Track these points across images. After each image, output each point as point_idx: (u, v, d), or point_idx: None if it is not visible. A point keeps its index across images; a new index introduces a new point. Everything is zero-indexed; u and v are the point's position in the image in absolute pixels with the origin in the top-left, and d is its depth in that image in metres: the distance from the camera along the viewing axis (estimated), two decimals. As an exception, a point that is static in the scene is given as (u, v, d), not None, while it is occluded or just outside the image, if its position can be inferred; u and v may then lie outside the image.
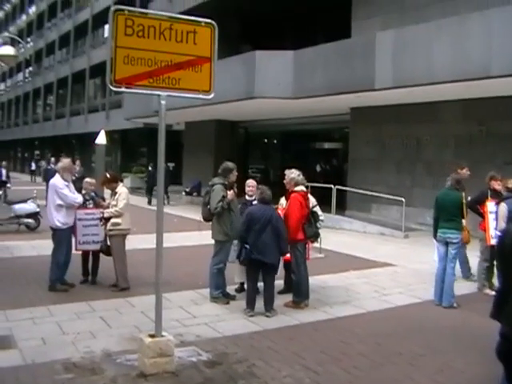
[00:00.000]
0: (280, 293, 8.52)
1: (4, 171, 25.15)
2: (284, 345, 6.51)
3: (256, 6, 21.69)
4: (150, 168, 30.21)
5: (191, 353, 6.14)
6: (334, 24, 19.61)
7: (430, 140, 16.81)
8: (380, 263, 11.83)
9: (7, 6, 69.45)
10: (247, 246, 7.61)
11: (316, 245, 8.71)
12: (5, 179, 24.97)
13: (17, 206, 15.65)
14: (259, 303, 7.78)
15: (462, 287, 9.28)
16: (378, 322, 7.65)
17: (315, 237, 8.38)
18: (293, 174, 8.37)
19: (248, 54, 18.93)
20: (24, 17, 62.83)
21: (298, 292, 8.18)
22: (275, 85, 17.35)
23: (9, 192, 23.05)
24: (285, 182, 8.44)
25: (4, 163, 26.23)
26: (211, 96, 5.84)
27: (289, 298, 8.31)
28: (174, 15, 5.89)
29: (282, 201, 8.82)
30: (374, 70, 14.92)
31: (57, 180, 8.90)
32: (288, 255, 8.15)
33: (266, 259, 7.58)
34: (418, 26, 14.51)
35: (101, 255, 9.44)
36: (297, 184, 8.30)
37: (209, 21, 5.85)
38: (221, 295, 8.37)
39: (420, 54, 13.90)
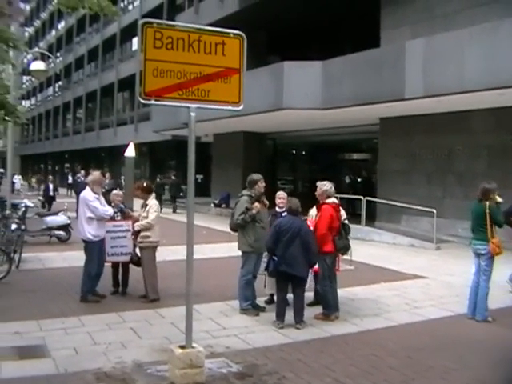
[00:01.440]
0: (310, 305, 8.44)
1: (51, 186, 25.93)
2: (314, 357, 6.44)
3: (283, 17, 21.76)
4: (172, 177, 30.53)
5: (221, 364, 6.11)
6: (362, 34, 19.56)
7: (461, 150, 16.56)
8: (411, 275, 11.66)
9: (37, 22, 70.87)
10: (275, 258, 7.57)
11: (346, 257, 8.62)
12: (52, 194, 25.67)
13: (48, 219, 15.88)
14: (289, 315, 7.72)
15: (498, 300, 9.06)
16: (409, 335, 7.52)
17: (345, 249, 8.29)
18: (325, 186, 8.32)
19: (276, 65, 18.98)
20: (53, 32, 63.97)
21: (327, 304, 8.10)
22: (303, 96, 17.35)
23: (40, 204, 23.47)
24: (317, 193, 8.38)
25: (50, 178, 27.21)
26: (241, 107, 5.84)
27: (318, 309, 8.23)
28: (202, 27, 5.92)
29: (312, 212, 8.77)
30: (404, 79, 14.82)
31: (87, 193, 8.99)
32: (317, 267, 8.09)
33: (295, 271, 7.52)
34: (448, 33, 14.39)
35: (131, 266, 9.50)
36: (329, 196, 8.25)
37: (237, 32, 5.87)
38: (250, 307, 8.33)
39: (451, 62, 13.76)
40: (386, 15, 18.30)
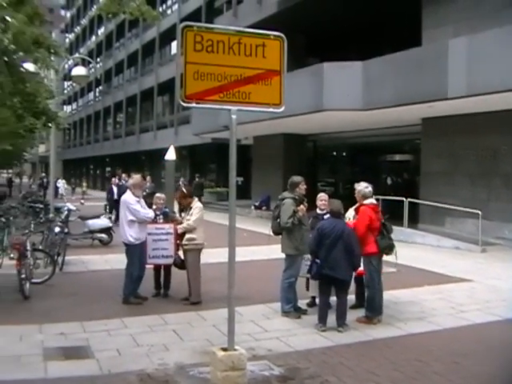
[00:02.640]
0: (352, 308, 8.36)
1: (115, 189, 23.08)
2: (356, 361, 6.37)
3: (321, 18, 21.63)
4: (196, 179, 30.63)
5: (263, 367, 6.10)
6: (402, 34, 19.27)
7: (508, 150, 16.12)
8: (455, 278, 11.41)
9: (77, 29, 72.34)
10: (318, 261, 7.51)
11: (388, 258, 8.49)
12: (117, 198, 23.04)
13: (90, 222, 16.10)
14: (331, 318, 7.66)
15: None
16: (454, 339, 7.36)
17: (389, 249, 8.16)
18: (360, 186, 8.24)
19: (315, 67, 18.89)
20: (93, 38, 65.14)
21: (371, 307, 7.99)
22: (344, 97, 17.22)
23: (83, 208, 23.38)
24: (356, 195, 8.32)
25: (115, 180, 25.16)
26: (282, 109, 5.82)
27: (361, 312, 8.14)
28: (242, 29, 5.93)
29: (348, 214, 8.68)
30: (447, 79, 14.54)
31: (128, 196, 9.09)
32: (361, 269, 7.99)
33: (338, 275, 7.46)
34: (492, 31, 14.05)
35: (172, 269, 9.56)
36: (364, 197, 8.15)
37: (278, 33, 5.85)
38: (292, 309, 8.29)
39: (494, 60, 13.44)
40: (428, 15, 17.99)
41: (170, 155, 18.48)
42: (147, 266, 9.36)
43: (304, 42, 23.85)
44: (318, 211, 8.88)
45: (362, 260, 7.88)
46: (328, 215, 8.19)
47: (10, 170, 61.24)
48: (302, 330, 7.65)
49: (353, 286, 8.37)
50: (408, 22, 18.59)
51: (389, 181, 24.66)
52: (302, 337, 7.31)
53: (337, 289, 7.66)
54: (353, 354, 6.61)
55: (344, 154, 28.80)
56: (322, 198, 8.95)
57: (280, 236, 8.50)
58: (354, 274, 7.91)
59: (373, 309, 7.98)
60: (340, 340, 7.17)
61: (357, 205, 8.36)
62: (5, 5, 8.85)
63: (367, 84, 17.15)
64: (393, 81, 16.39)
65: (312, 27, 22.49)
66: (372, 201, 8.20)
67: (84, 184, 46.12)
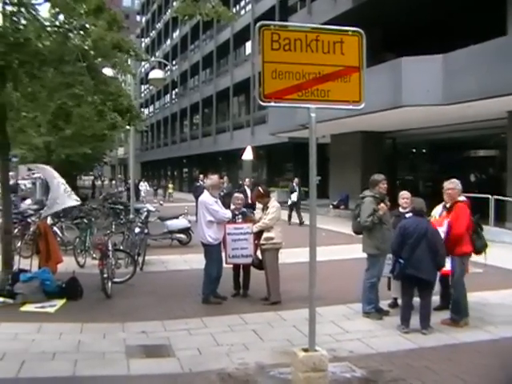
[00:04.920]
0: (436, 309, 8.07)
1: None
2: (442, 365, 6.15)
3: (398, 12, 21.12)
4: (200, 182, 30.13)
5: (345, 369, 6.01)
6: (483, 24, 18.50)
7: None
8: (548, 280, 10.82)
9: (153, 33, 74.24)
10: (401, 261, 7.32)
11: (477, 259, 8.14)
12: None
13: (169, 222, 16.40)
14: (414, 319, 7.44)
15: None
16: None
17: (484, 249, 7.85)
18: (453, 183, 8.00)
19: (393, 62, 18.47)
20: (169, 41, 66.60)
21: (458, 309, 7.69)
22: (423, 92, 16.73)
23: (162, 209, 23.67)
24: (449, 192, 8.00)
25: (225, 179, 24.09)
26: (362, 106, 5.69)
27: (445, 314, 7.86)
28: (319, 26, 5.86)
29: (434, 212, 8.40)
30: (537, 68, 13.80)
31: (206, 197, 9.19)
32: (447, 269, 7.70)
33: (421, 275, 7.24)
34: None
35: (252, 268, 9.59)
36: (459, 194, 7.90)
37: (356, 29, 5.72)
38: (373, 310, 8.13)
39: None
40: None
41: (247, 155, 18.62)
42: (226, 266, 9.43)
43: (380, 36, 23.36)
44: (401, 210, 8.68)
45: (450, 260, 7.62)
46: (410, 214, 7.96)
47: (91, 173, 63.23)
48: (384, 331, 7.48)
49: (437, 287, 8.09)
50: (491, 11, 17.84)
51: (472, 177, 23.78)
52: (384, 338, 7.15)
53: (420, 289, 7.43)
54: (438, 358, 6.38)
55: (424, 150, 28.03)
56: (404, 196, 8.73)
57: (361, 235, 8.35)
58: (438, 274, 7.64)
59: (459, 311, 7.68)
60: (424, 342, 6.95)
61: (448, 202, 8.04)
62: (83, 12, 9.15)
63: (448, 77, 16.58)
64: (476, 73, 15.74)
65: (388, 21, 22.01)
66: (464, 198, 7.92)
67: (170, 185, 46.16)
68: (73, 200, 11.31)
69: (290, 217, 22.51)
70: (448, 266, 7.72)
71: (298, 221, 22.02)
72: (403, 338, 7.16)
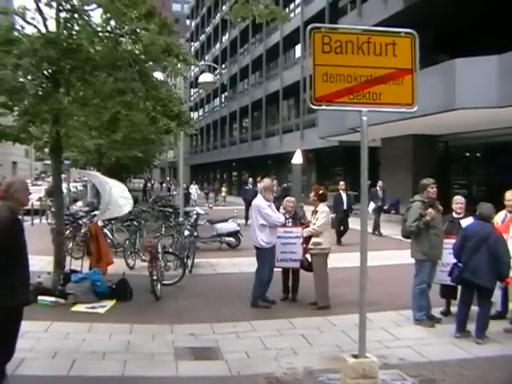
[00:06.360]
0: (493, 318, 7.74)
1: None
2: (497, 376, 5.95)
3: (451, 12, 20.68)
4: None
5: (395, 376, 5.91)
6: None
7: None
8: None
9: (202, 37, 75.01)
10: (460, 265, 7.13)
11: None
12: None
13: (218, 225, 16.46)
14: (469, 328, 7.27)
15: None
16: None
17: None
18: None
19: (446, 63, 18.09)
20: (218, 45, 67.10)
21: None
22: (478, 94, 16.30)
23: (211, 212, 23.69)
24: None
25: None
26: (414, 109, 5.60)
27: (503, 324, 7.62)
28: (371, 28, 5.80)
29: (497, 218, 8.15)
30: None
31: (259, 200, 9.18)
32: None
33: (478, 281, 7.03)
34: None
35: (301, 273, 9.53)
36: None
37: (409, 30, 5.64)
38: (424, 317, 7.95)
39: None
40: None
41: (297, 159, 18.54)
42: (276, 270, 9.41)
43: (432, 38, 22.92)
44: (454, 215, 8.46)
45: None
46: (465, 219, 7.77)
47: (140, 175, 64.04)
48: (436, 339, 7.31)
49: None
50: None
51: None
52: (436, 347, 6.98)
53: (478, 296, 7.21)
54: (493, 369, 6.18)
55: (478, 154, 27.32)
56: (458, 201, 8.52)
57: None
58: (498, 282, 7.35)
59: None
60: (479, 352, 6.74)
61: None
62: (134, 17, 9.30)
63: (504, 79, 16.10)
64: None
65: (440, 22, 21.57)
66: None
67: (223, 189, 45.32)
68: (125, 209, 11.41)
69: (377, 225, 20.10)
70: None
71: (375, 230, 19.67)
72: (456, 346, 6.98)
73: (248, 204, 22.81)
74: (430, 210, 7.93)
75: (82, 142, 16.96)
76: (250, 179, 30.10)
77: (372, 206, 19.79)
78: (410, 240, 8.23)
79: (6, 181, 5.42)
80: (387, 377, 5.80)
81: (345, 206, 17.51)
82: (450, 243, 7.87)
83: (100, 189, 11.81)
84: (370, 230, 17.85)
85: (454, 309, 8.12)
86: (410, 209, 8.13)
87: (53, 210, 22.34)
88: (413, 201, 8.18)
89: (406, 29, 5.70)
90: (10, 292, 5.05)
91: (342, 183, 18.62)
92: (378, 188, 20.98)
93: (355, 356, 5.41)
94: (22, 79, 9.35)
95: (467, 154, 28.18)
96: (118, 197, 11.19)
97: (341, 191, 18.02)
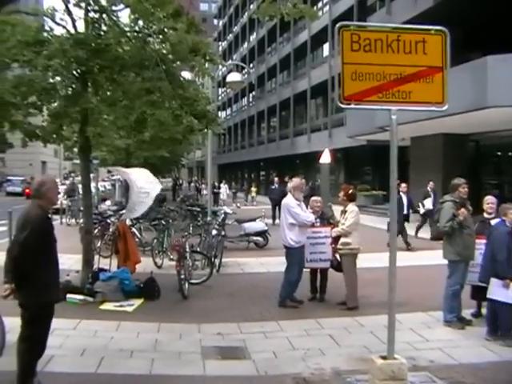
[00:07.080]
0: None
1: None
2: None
3: (481, 8, 20.34)
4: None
5: (424, 378, 5.84)
6: None
7: None
8: None
9: (230, 36, 75.13)
10: None
11: None
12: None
13: (246, 225, 16.47)
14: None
15: None
16: None
17: None
18: None
19: (477, 61, 17.82)
20: (246, 44, 67.10)
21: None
22: (511, 92, 16.01)
23: (239, 211, 23.14)
24: None
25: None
26: (445, 107, 5.51)
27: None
28: (400, 26, 5.72)
29: None
30: None
31: (289, 199, 9.16)
32: None
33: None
34: None
35: (329, 273, 9.49)
36: None
37: (439, 28, 5.55)
38: (455, 319, 7.83)
39: None
40: None
41: (325, 158, 18.42)
42: (304, 270, 9.36)
43: (461, 35, 22.59)
44: (485, 215, 8.30)
45: None
46: (496, 220, 7.62)
47: (167, 175, 64.34)
48: (467, 341, 7.20)
49: None
50: None
51: None
52: (467, 349, 6.87)
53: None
54: (525, 372, 6.06)
55: (510, 153, 26.88)
56: (489, 201, 8.35)
57: (441, 241, 8.09)
58: None
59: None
60: (509, 356, 6.61)
61: None
62: (162, 17, 9.34)
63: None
64: None
65: (470, 19, 21.25)
66: None
67: (253, 189, 44.21)
68: (147, 202, 11.34)
69: (419, 227, 18.58)
70: None
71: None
72: (487, 349, 6.86)
73: (274, 203, 22.80)
74: (463, 209, 7.81)
75: (112, 141, 17.13)
76: (276, 178, 30.06)
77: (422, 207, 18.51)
78: (440, 241, 8.11)
79: (38, 180, 5.50)
80: (416, 379, 5.72)
81: (405, 211, 16.38)
82: (481, 243, 7.75)
83: (130, 186, 11.88)
84: (412, 233, 17.28)
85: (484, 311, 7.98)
86: (441, 210, 8.02)
87: (72, 209, 22.75)
88: (443, 201, 8.07)
89: (436, 26, 5.60)
90: (46, 289, 5.14)
91: (403, 185, 16.72)
92: (428, 189, 19.11)
93: (384, 357, 5.35)
94: (51, 80, 9.46)
95: (499, 153, 27.73)
96: (140, 192, 11.11)
97: (401, 193, 16.15)
